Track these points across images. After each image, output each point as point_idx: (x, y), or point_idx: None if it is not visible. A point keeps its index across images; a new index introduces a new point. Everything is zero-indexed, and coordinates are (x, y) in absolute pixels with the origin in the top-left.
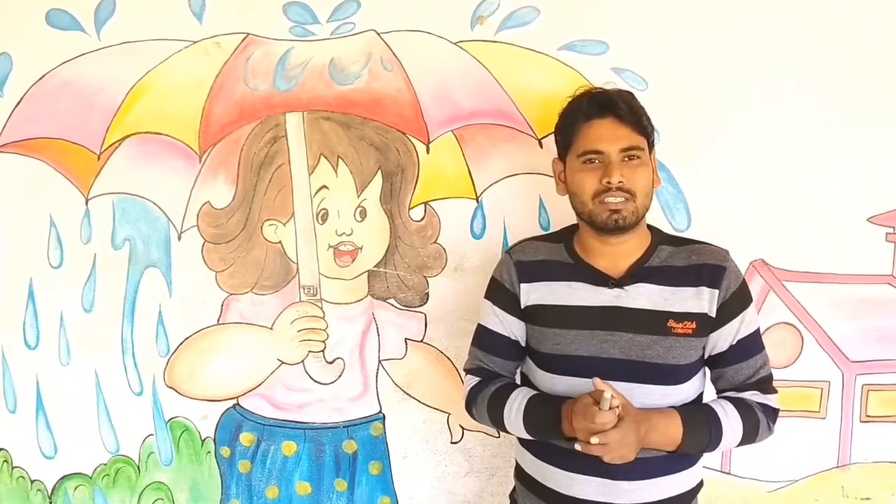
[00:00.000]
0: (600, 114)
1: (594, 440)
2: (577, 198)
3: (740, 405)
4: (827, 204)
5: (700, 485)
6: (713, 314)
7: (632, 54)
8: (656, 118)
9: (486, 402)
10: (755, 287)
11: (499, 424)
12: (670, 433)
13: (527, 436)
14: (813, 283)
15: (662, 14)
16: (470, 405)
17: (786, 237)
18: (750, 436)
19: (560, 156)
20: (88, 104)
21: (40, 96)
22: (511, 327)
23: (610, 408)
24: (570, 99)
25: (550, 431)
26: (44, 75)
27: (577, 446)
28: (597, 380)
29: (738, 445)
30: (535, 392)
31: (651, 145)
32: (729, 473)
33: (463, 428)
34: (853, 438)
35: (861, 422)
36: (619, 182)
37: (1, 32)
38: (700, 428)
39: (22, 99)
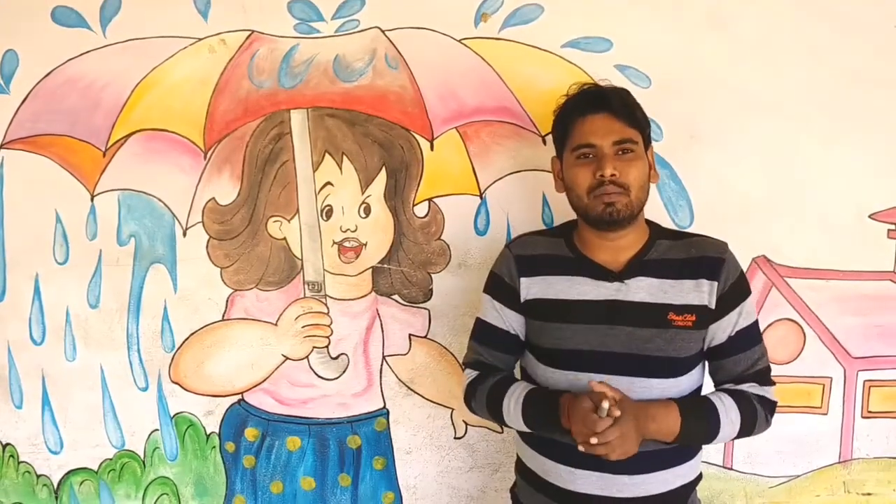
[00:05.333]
0: (593, 109)
1: (593, 440)
2: (572, 192)
3: (738, 397)
4: (829, 201)
5: (699, 477)
6: (713, 306)
7: (635, 52)
8: (659, 115)
9: (484, 395)
10: (757, 283)
11: (497, 418)
12: (669, 423)
13: (526, 429)
14: (815, 280)
15: (666, 12)
16: (469, 399)
17: (788, 234)
18: (748, 428)
19: (557, 153)
20: (94, 101)
21: (46, 93)
22: (510, 321)
23: (608, 415)
24: (564, 96)
25: (549, 425)
26: (49, 72)
27: (580, 447)
28: (593, 383)
29: (737, 437)
30: (533, 386)
31: (647, 140)
32: (731, 469)
33: (466, 423)
34: (855, 434)
35: (863, 418)
36: (613, 175)
37: (7, 29)
38: (698, 419)
39: (28, 96)
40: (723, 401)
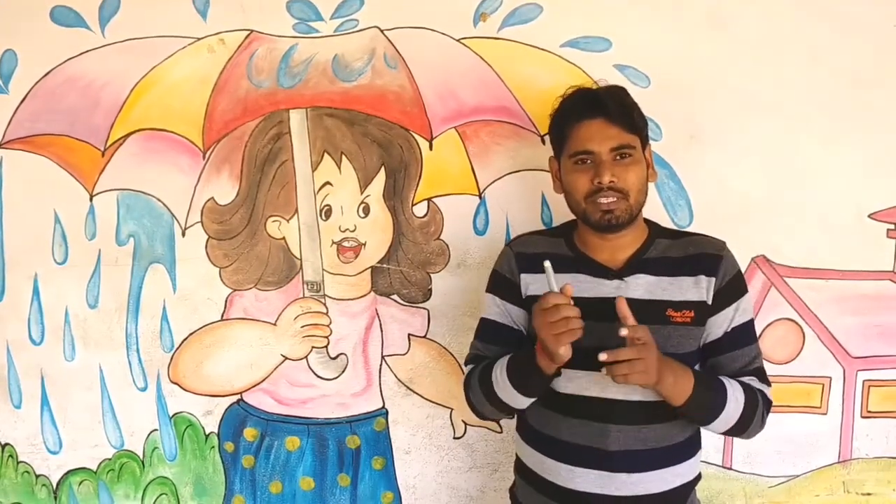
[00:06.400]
0: (590, 114)
1: (603, 356)
2: (571, 197)
3: (743, 383)
4: (828, 200)
5: (698, 477)
6: (710, 301)
7: (634, 51)
8: (658, 115)
9: (477, 380)
10: (757, 283)
11: (491, 398)
12: (684, 383)
13: (518, 396)
14: (814, 280)
15: (666, 12)
16: (468, 392)
17: (787, 233)
18: (747, 417)
19: (555, 154)
20: (93, 101)
21: (45, 93)
22: (513, 316)
23: (628, 338)
24: (560, 99)
25: (534, 373)
26: (48, 72)
27: (602, 356)
28: (620, 299)
29: (734, 427)
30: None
31: (645, 141)
32: (730, 468)
33: (466, 423)
34: (854, 434)
35: (862, 417)
36: (611, 182)
37: (6, 29)
38: (708, 389)
39: (27, 96)
40: (730, 381)
